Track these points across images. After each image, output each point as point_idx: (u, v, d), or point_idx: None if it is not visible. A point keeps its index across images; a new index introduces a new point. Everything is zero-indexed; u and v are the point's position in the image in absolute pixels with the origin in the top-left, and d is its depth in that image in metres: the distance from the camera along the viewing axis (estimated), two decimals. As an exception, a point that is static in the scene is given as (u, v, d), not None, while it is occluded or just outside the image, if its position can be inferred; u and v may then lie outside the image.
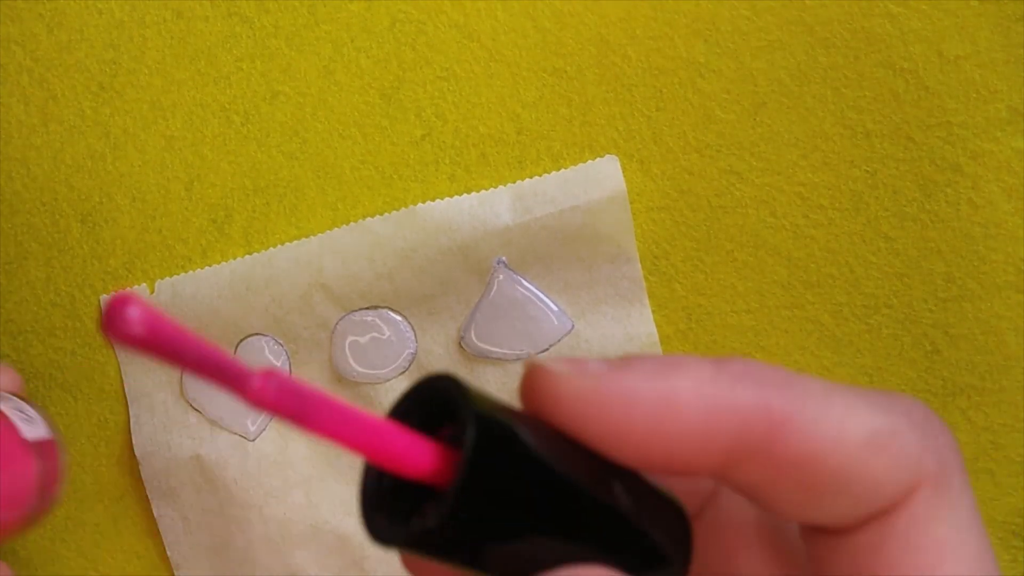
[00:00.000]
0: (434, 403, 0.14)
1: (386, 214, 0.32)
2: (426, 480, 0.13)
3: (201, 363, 0.11)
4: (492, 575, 0.14)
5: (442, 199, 0.32)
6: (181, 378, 0.34)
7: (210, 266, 0.34)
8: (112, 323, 0.10)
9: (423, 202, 0.32)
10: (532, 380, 0.15)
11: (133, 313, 0.10)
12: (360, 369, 0.33)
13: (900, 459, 0.14)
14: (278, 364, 0.34)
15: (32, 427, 0.28)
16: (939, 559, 0.14)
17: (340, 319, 0.33)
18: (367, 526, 0.13)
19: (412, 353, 0.33)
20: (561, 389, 0.14)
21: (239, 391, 0.11)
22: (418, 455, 0.13)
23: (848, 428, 0.14)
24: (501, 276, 0.32)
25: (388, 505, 0.13)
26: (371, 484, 0.14)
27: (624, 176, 0.31)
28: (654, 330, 0.32)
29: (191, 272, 0.34)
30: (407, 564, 0.16)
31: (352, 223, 0.33)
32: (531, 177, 0.32)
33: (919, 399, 0.16)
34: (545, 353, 0.32)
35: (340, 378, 0.33)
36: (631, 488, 0.15)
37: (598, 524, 0.14)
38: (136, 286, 0.34)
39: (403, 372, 0.33)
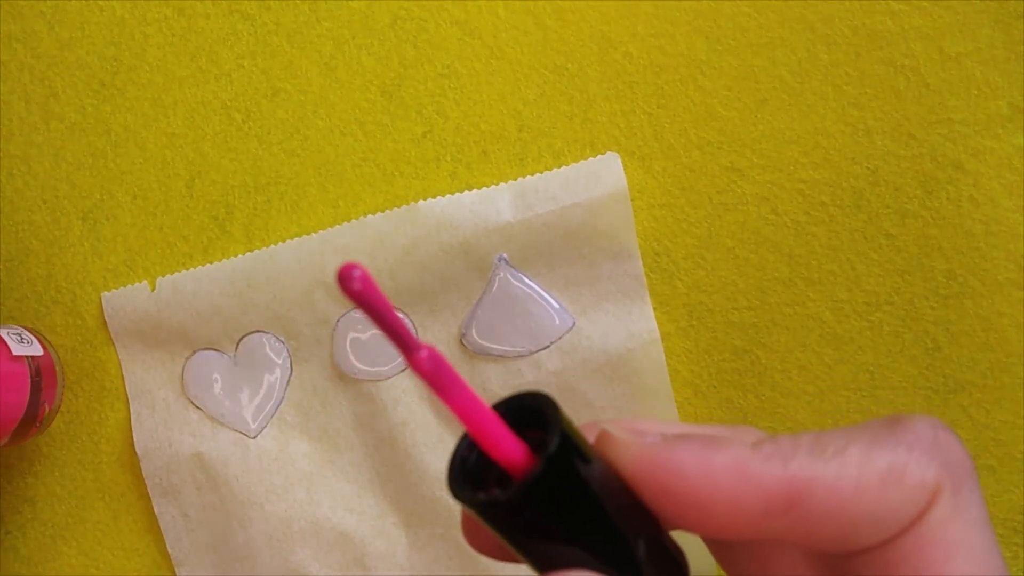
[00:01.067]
0: (524, 414, 0.17)
1: (387, 211, 0.32)
2: (506, 465, 0.16)
3: (390, 326, 0.15)
4: (522, 554, 0.17)
5: (443, 196, 0.32)
6: (182, 375, 0.34)
7: (211, 263, 0.34)
8: (342, 279, 0.14)
9: (424, 199, 0.32)
10: (598, 442, 0.18)
11: (356, 273, 0.14)
12: (361, 366, 0.33)
13: (915, 485, 0.17)
14: (279, 361, 0.34)
15: (24, 346, 0.32)
16: (949, 556, 0.17)
17: (341, 316, 0.33)
18: (451, 483, 0.17)
19: (413, 350, 0.33)
20: (622, 454, 0.18)
21: (407, 356, 0.15)
22: (509, 446, 0.16)
23: (865, 474, 0.17)
24: (502, 273, 0.32)
25: (468, 476, 0.17)
26: (461, 455, 0.17)
27: (625, 173, 0.31)
28: (655, 327, 0.32)
29: (192, 269, 0.34)
30: (467, 530, 0.20)
31: (353, 220, 0.33)
32: (532, 174, 0.32)
33: (928, 415, 0.18)
34: (546, 350, 0.32)
35: (341, 375, 0.33)
36: (652, 535, 0.18)
37: (612, 553, 0.18)
38: (137, 283, 0.34)
39: (404, 370, 0.33)
